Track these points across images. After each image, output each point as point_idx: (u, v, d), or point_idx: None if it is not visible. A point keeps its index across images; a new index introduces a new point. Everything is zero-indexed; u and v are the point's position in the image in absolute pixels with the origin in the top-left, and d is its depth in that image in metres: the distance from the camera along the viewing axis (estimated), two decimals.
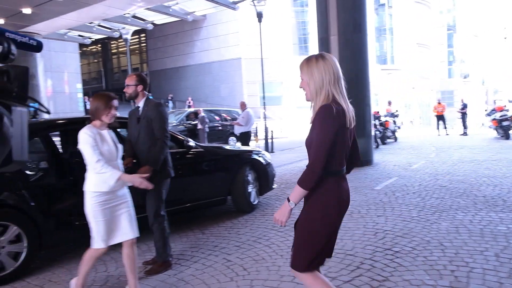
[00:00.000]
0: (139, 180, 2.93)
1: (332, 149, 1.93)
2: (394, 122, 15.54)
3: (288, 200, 2.03)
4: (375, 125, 13.05)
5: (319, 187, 2.00)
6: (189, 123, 16.08)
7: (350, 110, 2.01)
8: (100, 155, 2.79)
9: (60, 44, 21.09)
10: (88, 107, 23.32)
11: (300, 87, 2.07)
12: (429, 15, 48.06)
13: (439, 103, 18.33)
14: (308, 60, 2.04)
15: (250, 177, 5.59)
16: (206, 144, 6.24)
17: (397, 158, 10.36)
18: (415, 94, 39.87)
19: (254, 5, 13.94)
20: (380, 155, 11.09)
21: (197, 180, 4.94)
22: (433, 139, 15.98)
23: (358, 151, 2.24)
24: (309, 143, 1.98)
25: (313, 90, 2.00)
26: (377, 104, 30.57)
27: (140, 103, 3.59)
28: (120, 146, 3.00)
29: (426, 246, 3.88)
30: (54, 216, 3.80)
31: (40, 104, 0.60)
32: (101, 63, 41.77)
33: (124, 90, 3.56)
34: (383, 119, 14.68)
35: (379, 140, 13.59)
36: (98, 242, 2.88)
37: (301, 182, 1.97)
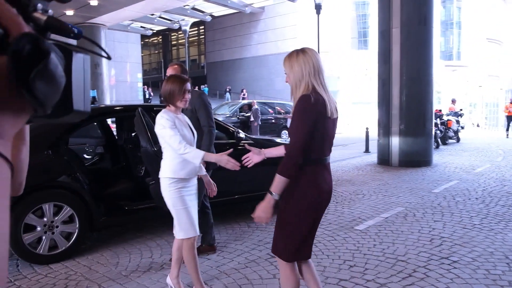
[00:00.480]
0: (226, 158, 2.55)
1: (311, 137, 1.98)
2: (457, 121, 14.61)
3: (271, 193, 2.03)
4: (436, 124, 12.34)
5: (299, 176, 2.03)
6: (243, 115, 16.18)
7: (332, 101, 2.06)
8: (181, 137, 2.64)
9: (123, 35, 21.98)
10: (147, 96, 24.21)
11: (286, 82, 2.14)
12: (503, 8, 44.55)
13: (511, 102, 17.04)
14: (290, 55, 2.11)
15: None
16: (257, 136, 6.15)
17: (458, 160, 9.75)
18: (482, 93, 37.33)
19: None
20: (440, 156, 10.53)
21: (245, 172, 4.83)
22: (500, 141, 14.96)
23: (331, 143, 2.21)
24: (289, 131, 2.05)
25: (293, 82, 2.06)
26: (439, 102, 28.98)
27: None
28: (195, 132, 2.86)
29: (488, 258, 3.54)
30: (105, 200, 3.90)
31: (100, 47, 0.54)
32: (161, 54, 43.17)
33: None
34: (445, 118, 13.87)
35: (439, 140, 12.91)
36: (183, 231, 2.68)
37: (280, 170, 2.00)
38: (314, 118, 1.97)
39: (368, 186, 6.81)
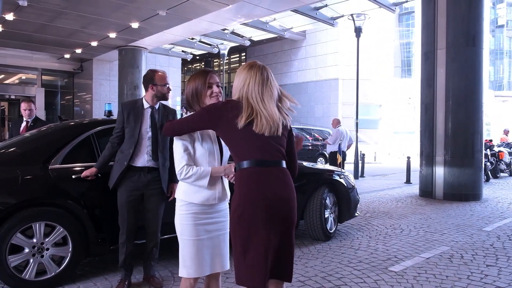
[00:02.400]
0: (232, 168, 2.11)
1: (235, 141, 1.99)
2: (510, 153, 13.42)
3: None
4: (486, 156, 11.36)
5: (236, 181, 1.99)
6: None
7: (271, 114, 1.98)
8: (189, 159, 2.11)
9: (165, 59, 22.37)
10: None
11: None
12: None
13: None
14: (240, 66, 2.12)
15: (328, 201, 4.86)
16: None
17: None
18: None
19: (353, 19, 13.16)
20: (491, 190, 9.60)
21: None
22: None
23: (295, 165, 2.13)
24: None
25: (233, 91, 2.08)
26: (489, 135, 27.32)
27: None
28: (225, 148, 2.22)
29: None
30: (106, 222, 3.49)
31: None
32: None
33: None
34: (496, 149, 12.84)
35: (489, 173, 11.92)
36: (185, 268, 2.13)
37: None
38: (214, 117, 1.99)
39: (408, 220, 6.12)
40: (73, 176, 3.35)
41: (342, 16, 16.14)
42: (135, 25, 12.58)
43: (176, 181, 3.35)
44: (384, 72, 29.43)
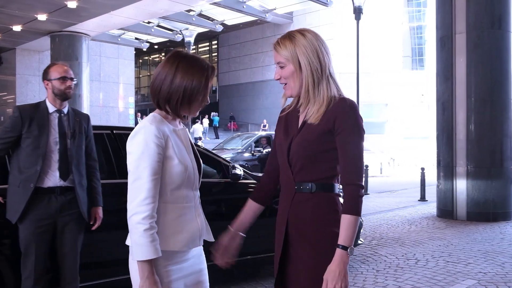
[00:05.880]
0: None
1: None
2: None
3: (345, 248, 1.83)
4: None
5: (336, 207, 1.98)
6: (260, 151, 15.82)
7: None
8: (156, 192, 1.83)
9: (113, 49, 22.27)
10: None
11: (277, 79, 1.99)
12: None
13: None
14: (291, 36, 1.94)
15: None
16: (261, 174, 5.74)
17: None
18: None
19: None
20: None
21: None
22: None
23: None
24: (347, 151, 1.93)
25: (308, 76, 1.91)
26: None
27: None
28: (200, 160, 2.08)
29: None
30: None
31: None
32: None
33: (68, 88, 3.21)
34: None
35: None
36: None
37: (353, 208, 1.86)
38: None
39: (424, 247, 6.16)
40: None
41: None
42: (72, 4, 12.44)
43: (99, 204, 3.28)
44: (390, 64, 29.90)
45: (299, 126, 1.96)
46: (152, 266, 1.78)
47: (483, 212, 8.14)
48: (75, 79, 3.21)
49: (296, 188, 1.92)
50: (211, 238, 2.10)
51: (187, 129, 2.07)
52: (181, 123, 2.04)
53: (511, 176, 8.42)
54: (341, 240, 1.81)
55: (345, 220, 1.82)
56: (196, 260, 2.04)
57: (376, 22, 27.64)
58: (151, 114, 1.96)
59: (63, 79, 3.12)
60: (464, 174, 8.33)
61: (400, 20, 32.33)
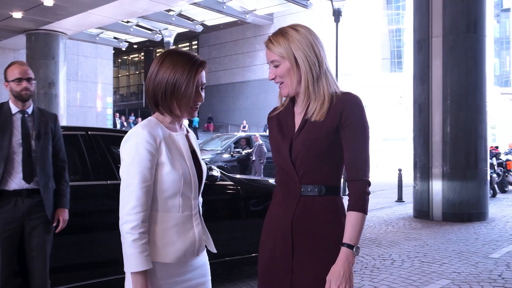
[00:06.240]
0: None
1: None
2: None
3: (350, 247, 1.74)
4: (492, 165, 11.83)
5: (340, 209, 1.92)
6: (239, 152, 15.83)
7: None
8: (148, 199, 1.75)
9: (91, 48, 22.06)
10: (119, 126, 23.92)
11: (271, 79, 1.88)
12: None
13: None
14: (283, 32, 1.85)
15: None
16: (239, 175, 5.76)
17: None
18: None
19: (331, 0, 13.46)
20: (498, 208, 10.03)
21: (223, 227, 4.53)
22: None
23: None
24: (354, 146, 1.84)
25: (307, 73, 1.81)
26: (495, 140, 28.57)
27: None
28: (205, 167, 1.98)
29: None
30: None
31: None
32: (143, 75, 43.57)
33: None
34: (503, 157, 13.45)
35: (496, 186, 12.44)
36: None
37: (361, 206, 1.78)
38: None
39: (400, 248, 6.24)
40: None
41: None
42: (48, 2, 12.26)
43: (65, 206, 3.18)
44: (369, 66, 30.20)
45: (297, 125, 1.85)
46: (145, 278, 1.69)
47: (458, 213, 8.29)
48: (33, 80, 3.11)
49: (303, 191, 1.80)
50: (213, 249, 1.98)
51: (189, 134, 1.96)
52: (183, 127, 1.93)
53: (485, 177, 8.60)
54: (346, 239, 1.72)
55: (352, 217, 1.73)
56: (200, 272, 1.93)
57: (355, 24, 27.89)
58: (148, 118, 1.87)
59: (19, 80, 3.04)
60: (439, 175, 8.47)
61: (380, 23, 32.69)
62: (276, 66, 1.82)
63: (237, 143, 16.34)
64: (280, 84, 1.84)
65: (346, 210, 1.79)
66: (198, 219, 1.88)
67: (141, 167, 1.71)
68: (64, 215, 3.16)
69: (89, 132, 3.90)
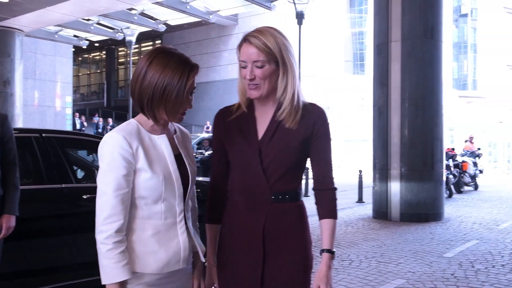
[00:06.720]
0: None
1: None
2: (475, 164, 14.54)
3: (330, 251, 1.82)
4: (448, 167, 12.17)
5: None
6: (202, 153, 15.76)
7: None
8: (125, 206, 1.65)
9: (49, 46, 21.51)
10: (79, 126, 23.41)
11: (250, 80, 1.77)
12: None
13: None
14: (269, 33, 1.78)
15: None
16: (200, 178, 5.70)
17: (477, 213, 9.55)
18: (502, 130, 38.21)
19: (294, 2, 13.59)
20: (454, 208, 10.33)
21: None
22: None
23: None
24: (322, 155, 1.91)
25: (292, 82, 1.81)
26: (453, 142, 29.42)
27: None
28: (191, 172, 1.84)
29: None
30: None
31: None
32: (105, 74, 42.81)
33: None
34: (459, 159, 13.84)
35: (452, 187, 12.81)
36: None
37: (334, 212, 1.89)
38: None
39: (358, 248, 6.37)
40: None
41: None
42: None
43: (11, 212, 3.00)
44: (333, 68, 30.56)
45: (261, 131, 1.82)
46: None
47: (415, 213, 8.50)
48: None
49: (274, 198, 1.79)
50: (202, 259, 1.87)
51: (176, 135, 1.84)
52: (169, 128, 1.82)
53: (441, 178, 8.87)
54: (327, 245, 1.79)
55: (329, 224, 1.81)
56: (184, 282, 1.84)
57: (319, 26, 28.16)
58: (128, 120, 1.78)
59: None
60: (398, 176, 8.66)
61: (343, 26, 33.13)
62: (259, 67, 1.75)
63: (200, 144, 16.24)
64: (255, 85, 1.77)
65: (319, 218, 1.85)
66: (184, 226, 1.76)
67: (116, 174, 1.62)
68: (8, 221, 2.97)
69: (43, 134, 3.81)
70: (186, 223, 1.78)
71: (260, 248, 1.79)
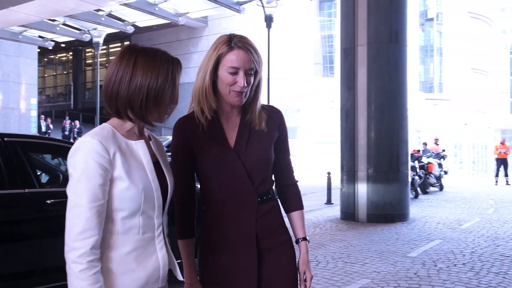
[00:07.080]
0: None
1: None
2: (440, 165, 14.90)
3: (307, 239, 2.03)
4: (414, 168, 12.44)
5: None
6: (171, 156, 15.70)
7: None
8: (101, 221, 1.47)
9: (13, 47, 21.03)
10: (44, 129, 22.93)
11: (239, 90, 1.80)
12: (489, 34, 48.10)
13: (503, 143, 18.17)
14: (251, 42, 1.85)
15: None
16: None
17: (442, 213, 9.80)
18: (467, 132, 39.24)
19: (262, 6, 13.66)
20: (419, 208, 10.58)
21: None
22: (490, 189, 15.68)
23: None
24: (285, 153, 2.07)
25: (259, 87, 1.92)
26: (419, 143, 30.04)
27: None
28: (170, 181, 1.69)
29: None
30: None
31: None
32: (71, 76, 42.06)
33: None
34: (425, 160, 14.15)
35: (418, 188, 13.09)
36: None
37: (301, 204, 2.07)
38: None
39: (325, 249, 6.48)
40: None
41: (250, 0, 16.66)
42: None
43: None
44: (302, 70, 30.75)
45: (231, 137, 1.83)
46: None
47: (382, 214, 8.67)
48: None
49: (259, 200, 1.84)
50: (178, 276, 1.74)
51: (152, 141, 1.69)
52: (145, 134, 1.68)
53: (406, 180, 9.07)
54: (303, 233, 1.98)
55: (300, 215, 2.00)
56: None
57: (288, 29, 28.31)
58: (101, 124, 1.60)
59: None
60: (364, 178, 8.82)
61: (312, 29, 33.42)
62: (251, 74, 1.79)
63: (169, 147, 16.16)
64: (242, 93, 1.77)
65: (289, 210, 2.02)
66: (162, 241, 1.62)
67: (91, 184, 1.44)
68: None
69: (5, 139, 3.76)
70: (164, 237, 1.64)
71: (255, 250, 1.82)
